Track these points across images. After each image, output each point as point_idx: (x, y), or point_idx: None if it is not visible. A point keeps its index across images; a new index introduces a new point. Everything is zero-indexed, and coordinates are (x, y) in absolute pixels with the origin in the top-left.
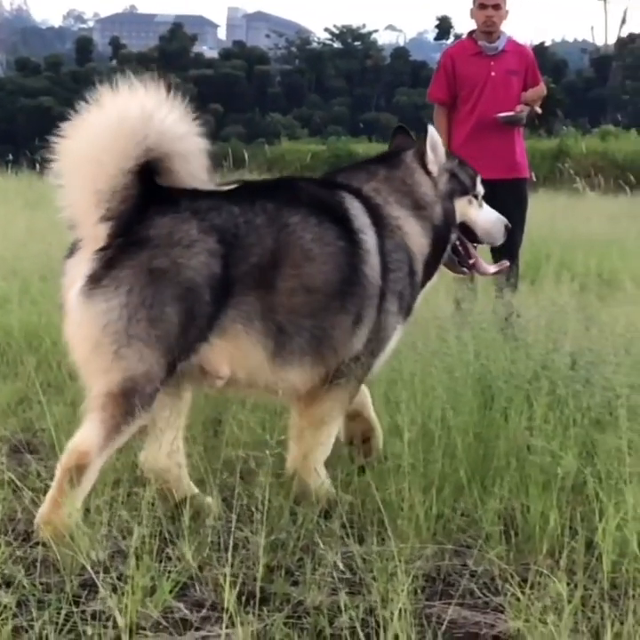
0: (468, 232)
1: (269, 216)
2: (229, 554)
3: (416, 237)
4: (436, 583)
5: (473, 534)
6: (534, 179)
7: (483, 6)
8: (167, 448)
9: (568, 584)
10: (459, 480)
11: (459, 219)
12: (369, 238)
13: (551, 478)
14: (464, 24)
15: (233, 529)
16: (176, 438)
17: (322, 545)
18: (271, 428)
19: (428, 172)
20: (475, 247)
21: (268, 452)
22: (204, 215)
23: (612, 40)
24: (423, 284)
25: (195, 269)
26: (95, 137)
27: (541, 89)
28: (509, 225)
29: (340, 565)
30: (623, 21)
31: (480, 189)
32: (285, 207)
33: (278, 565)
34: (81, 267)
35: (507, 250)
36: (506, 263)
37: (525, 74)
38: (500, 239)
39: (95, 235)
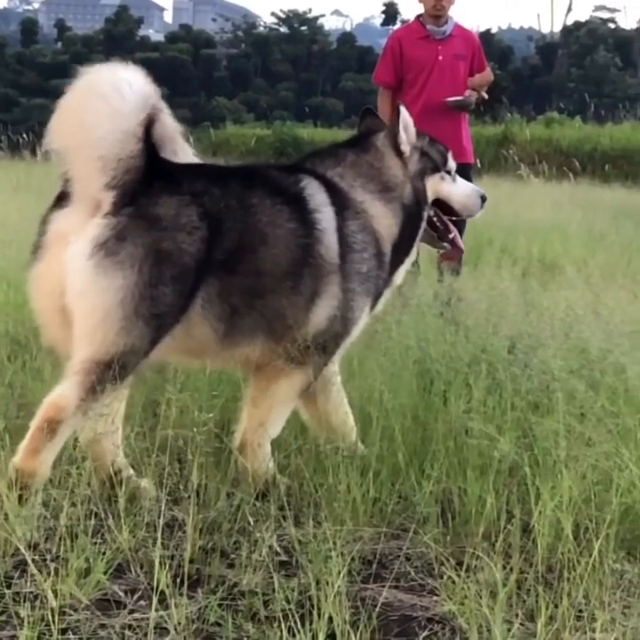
0: (444, 207)
1: (237, 200)
2: (161, 535)
3: (383, 219)
4: (372, 566)
5: (410, 517)
6: (479, 165)
7: None
8: (107, 426)
9: (504, 567)
10: (396, 463)
11: (432, 196)
12: (325, 217)
13: (488, 461)
14: (410, 10)
15: (168, 511)
16: (117, 416)
17: (258, 527)
18: (208, 409)
19: (399, 153)
20: (452, 220)
21: (195, 429)
22: (201, 199)
23: (557, 28)
24: (400, 263)
25: (191, 254)
26: (103, 98)
27: (488, 74)
28: (486, 195)
29: (276, 548)
30: (569, 9)
31: (452, 165)
32: (248, 191)
33: (214, 547)
34: (80, 226)
35: None
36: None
37: (472, 59)
38: (477, 210)
39: (98, 199)
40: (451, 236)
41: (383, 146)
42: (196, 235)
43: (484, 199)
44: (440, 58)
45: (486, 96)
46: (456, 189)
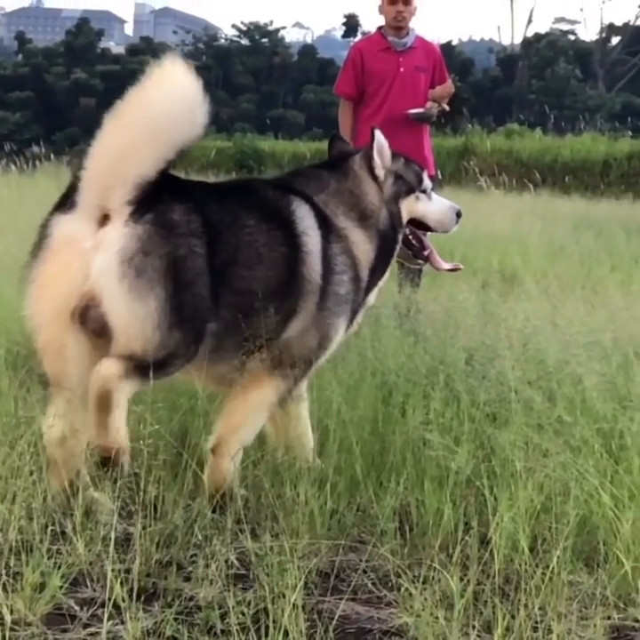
0: (420, 224)
1: (233, 215)
2: (117, 548)
3: (362, 245)
4: (330, 578)
5: (368, 530)
6: (440, 176)
7: (393, 1)
8: (76, 426)
9: (461, 579)
10: (354, 475)
11: (408, 216)
12: (312, 240)
13: (446, 473)
14: (371, 22)
15: (125, 524)
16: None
17: (214, 540)
18: (167, 421)
19: (374, 177)
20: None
21: (141, 442)
22: (203, 209)
23: (518, 40)
24: (374, 285)
25: (202, 256)
26: (159, 131)
27: (449, 86)
28: (461, 211)
29: (233, 561)
30: (529, 21)
31: (428, 184)
32: (243, 208)
33: (170, 560)
34: (90, 232)
35: None
36: (460, 265)
37: (433, 71)
38: (452, 226)
39: (117, 209)
40: (426, 252)
41: (360, 169)
42: (203, 239)
43: (459, 215)
44: (401, 70)
45: (447, 108)
46: (431, 208)
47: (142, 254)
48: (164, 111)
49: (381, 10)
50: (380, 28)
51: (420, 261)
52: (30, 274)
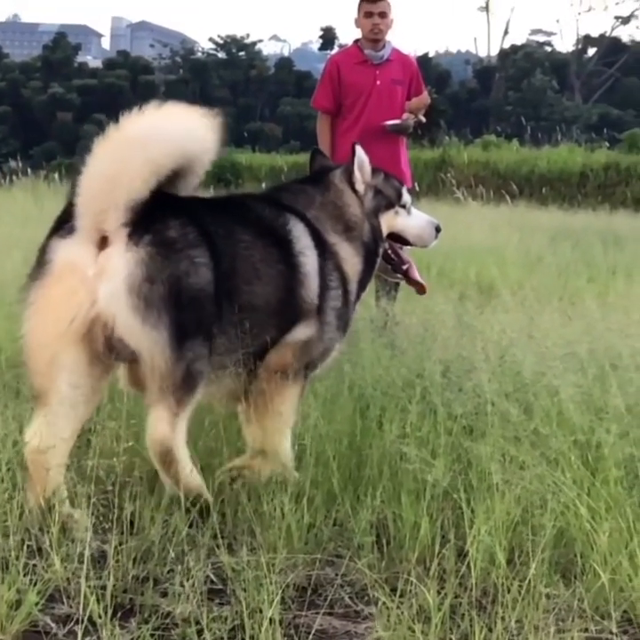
0: (399, 239)
1: (230, 230)
2: (94, 565)
3: (350, 259)
4: (307, 593)
5: (345, 543)
6: (417, 189)
7: (369, 14)
8: (58, 438)
9: (438, 592)
10: (331, 489)
11: (387, 230)
12: (309, 260)
13: (423, 486)
14: (348, 34)
15: (101, 540)
16: (72, 434)
17: (191, 555)
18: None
19: (354, 191)
20: (400, 248)
21: (115, 459)
22: (198, 221)
23: (494, 51)
24: (358, 299)
25: (206, 266)
26: (143, 155)
27: (425, 97)
28: (441, 226)
29: (210, 576)
30: (506, 33)
31: (407, 199)
32: (240, 225)
33: (147, 576)
34: (92, 257)
35: None
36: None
37: (410, 84)
38: (431, 241)
39: (114, 231)
40: (405, 267)
41: (341, 183)
42: (202, 248)
43: (438, 230)
44: (378, 83)
45: (424, 119)
46: (411, 222)
47: (148, 283)
48: (155, 135)
49: (357, 23)
50: (356, 41)
51: (398, 275)
52: (29, 296)
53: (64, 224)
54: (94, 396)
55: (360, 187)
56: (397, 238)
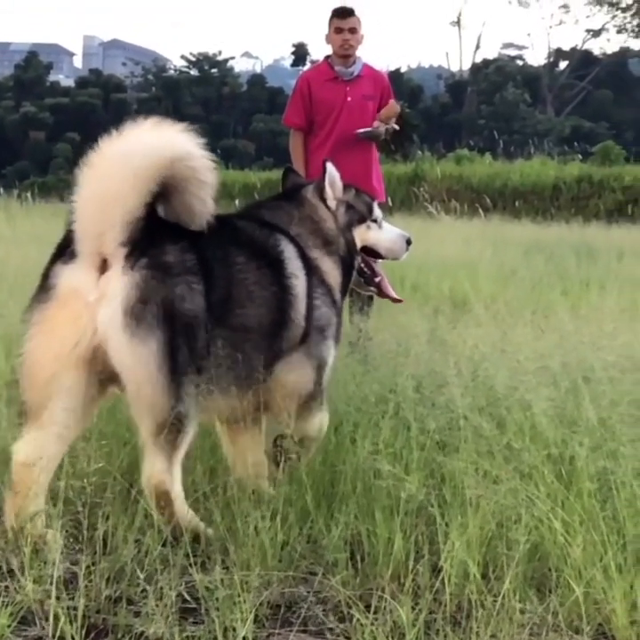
0: (372, 252)
1: (225, 254)
2: (67, 585)
3: (331, 271)
4: (281, 611)
5: (319, 560)
6: (391, 203)
7: (339, 30)
8: (47, 455)
9: (413, 608)
10: (305, 506)
11: (360, 244)
12: (300, 283)
13: (396, 502)
14: (320, 50)
15: (74, 560)
16: (58, 454)
17: (165, 574)
18: (117, 456)
19: (327, 207)
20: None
21: (85, 480)
22: (196, 247)
23: (466, 65)
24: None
25: (201, 294)
26: (133, 168)
27: (393, 105)
28: (411, 238)
29: (184, 595)
30: (477, 47)
31: (378, 213)
32: (234, 247)
33: (120, 596)
34: (93, 282)
35: None
36: (403, 300)
37: (381, 99)
38: (402, 254)
39: (113, 253)
40: (377, 279)
41: (313, 199)
42: (199, 275)
43: (409, 242)
44: (349, 99)
45: (397, 126)
46: (382, 236)
47: (141, 303)
48: (137, 147)
49: (328, 38)
50: (327, 58)
51: (371, 288)
52: (33, 317)
53: (65, 249)
54: (85, 420)
55: (332, 203)
56: (369, 252)
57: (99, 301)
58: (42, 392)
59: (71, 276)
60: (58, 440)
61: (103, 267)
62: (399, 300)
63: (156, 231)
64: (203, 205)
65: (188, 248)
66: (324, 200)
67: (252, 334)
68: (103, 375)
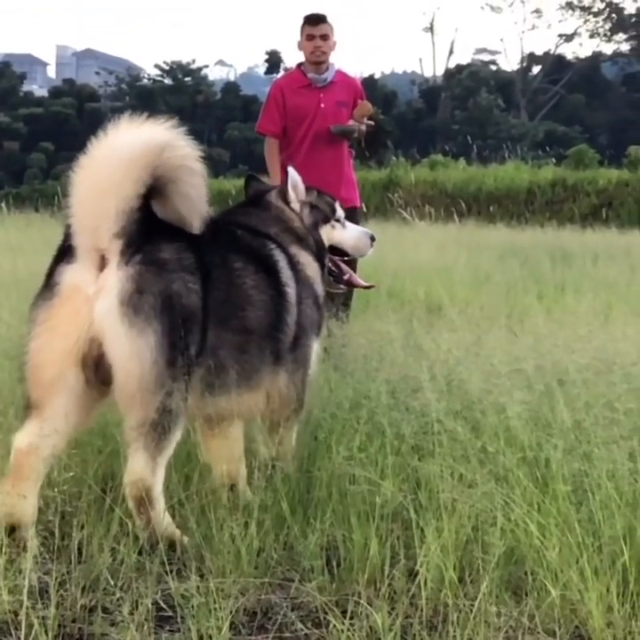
0: (338, 251)
1: (222, 257)
2: (25, 597)
3: (311, 264)
4: (257, 617)
5: (295, 567)
6: (365, 209)
7: (311, 37)
8: (46, 446)
9: (389, 613)
10: (280, 512)
11: (327, 243)
12: (292, 291)
13: (372, 507)
14: (294, 58)
15: (49, 569)
16: (56, 448)
17: (140, 582)
18: (92, 465)
19: (291, 210)
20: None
21: (56, 489)
22: (194, 247)
23: (440, 71)
24: None
25: (197, 292)
26: (123, 160)
27: (365, 103)
28: (374, 235)
29: (160, 603)
30: (451, 52)
31: (340, 213)
32: (231, 253)
33: (96, 605)
34: (93, 278)
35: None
36: (375, 284)
37: (354, 105)
38: (367, 250)
39: (109, 248)
40: (346, 277)
41: (277, 202)
42: (197, 275)
43: (373, 239)
44: (322, 105)
45: (371, 123)
46: (347, 234)
47: (137, 293)
48: (125, 140)
49: (300, 45)
50: (299, 65)
51: (341, 286)
52: (38, 315)
53: (67, 250)
54: (86, 418)
55: (296, 205)
56: (336, 251)
57: (96, 294)
58: (46, 389)
59: (73, 275)
60: (57, 434)
61: (102, 264)
62: (371, 286)
63: (153, 231)
64: (198, 192)
65: (186, 248)
66: (288, 203)
67: (253, 337)
68: (100, 375)
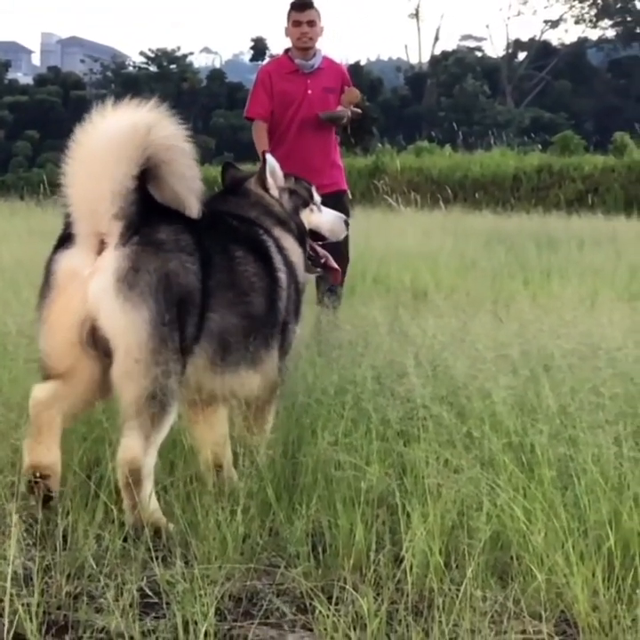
0: (315, 235)
1: (220, 243)
2: (9, 583)
3: (293, 248)
4: (242, 603)
5: (280, 553)
6: (351, 196)
7: (297, 23)
8: (63, 402)
9: (375, 599)
10: (266, 498)
11: (307, 227)
12: (283, 277)
13: (357, 493)
14: (279, 44)
15: (34, 556)
16: (71, 408)
17: (125, 569)
18: (77, 451)
19: (270, 196)
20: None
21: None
22: (192, 229)
23: (425, 58)
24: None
25: (195, 273)
26: (113, 141)
27: (353, 90)
28: (348, 219)
29: (145, 589)
30: (436, 39)
31: (317, 198)
32: (228, 237)
33: (81, 592)
34: (90, 261)
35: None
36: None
37: (341, 91)
38: (342, 233)
39: (102, 234)
40: (322, 260)
41: (256, 188)
42: (196, 256)
43: (346, 223)
44: (309, 92)
45: (359, 111)
46: (323, 218)
47: (133, 271)
48: (116, 122)
49: (287, 32)
50: (286, 51)
51: (318, 269)
52: (42, 313)
53: (66, 238)
54: (103, 394)
55: (274, 191)
56: (313, 235)
57: (92, 275)
58: (57, 371)
59: (69, 259)
60: (75, 394)
61: (101, 248)
62: (337, 277)
63: (152, 214)
64: (192, 171)
65: (183, 230)
66: (266, 190)
67: (252, 321)
68: (104, 354)
